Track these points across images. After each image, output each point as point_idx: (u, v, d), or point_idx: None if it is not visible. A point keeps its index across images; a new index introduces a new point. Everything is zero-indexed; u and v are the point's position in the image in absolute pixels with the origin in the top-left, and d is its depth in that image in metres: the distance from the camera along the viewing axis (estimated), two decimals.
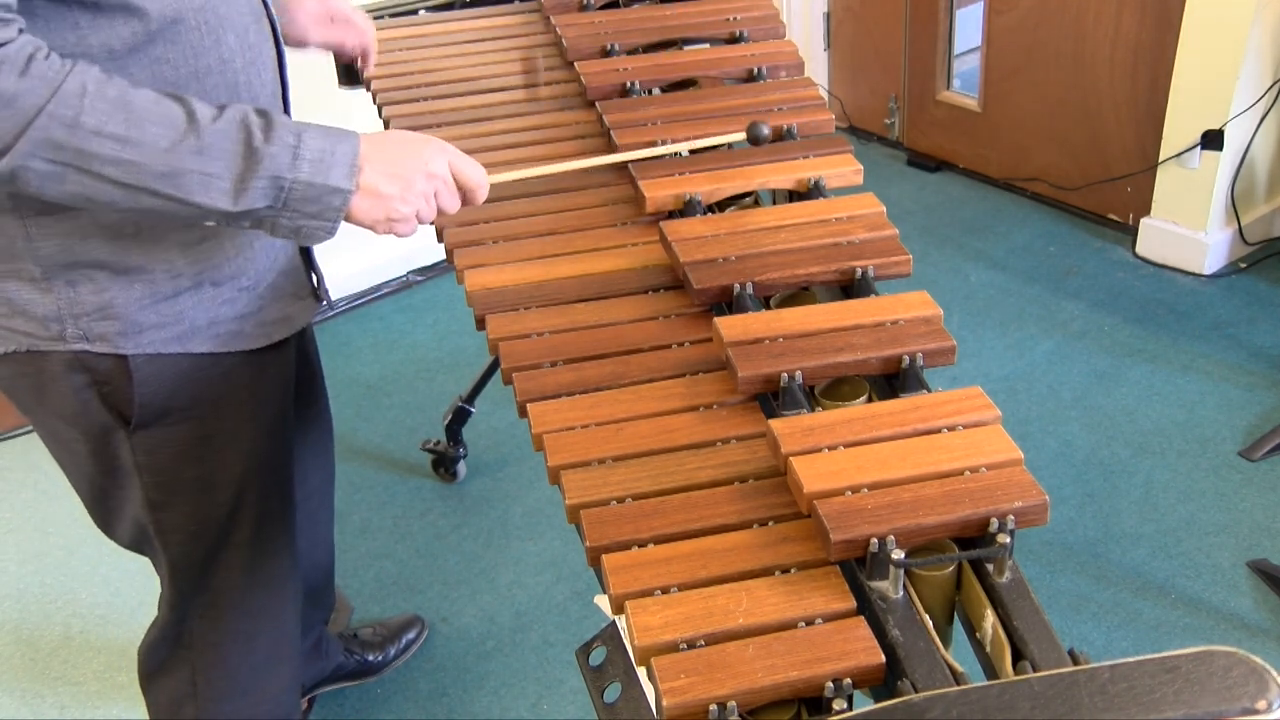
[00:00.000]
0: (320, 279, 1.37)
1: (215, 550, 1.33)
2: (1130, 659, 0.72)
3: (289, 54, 1.47)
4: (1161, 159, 2.82)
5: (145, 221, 1.11)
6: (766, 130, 1.30)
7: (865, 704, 0.75)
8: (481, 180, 1.14)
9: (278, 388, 1.32)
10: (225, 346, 1.22)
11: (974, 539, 0.89)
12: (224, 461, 1.28)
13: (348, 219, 1.07)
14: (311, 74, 2.07)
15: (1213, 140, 2.69)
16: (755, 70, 1.59)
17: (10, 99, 0.90)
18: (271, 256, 1.25)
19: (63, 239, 1.09)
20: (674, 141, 1.40)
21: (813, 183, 1.35)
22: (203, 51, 1.08)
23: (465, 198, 1.14)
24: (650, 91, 1.58)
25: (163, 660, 1.43)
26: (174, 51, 1.06)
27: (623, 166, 1.42)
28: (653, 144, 1.42)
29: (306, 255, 1.35)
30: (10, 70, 0.90)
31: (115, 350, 1.15)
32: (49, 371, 1.17)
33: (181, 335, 1.18)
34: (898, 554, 0.84)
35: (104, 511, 1.33)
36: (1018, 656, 0.81)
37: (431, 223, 1.15)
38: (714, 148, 1.48)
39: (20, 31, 0.93)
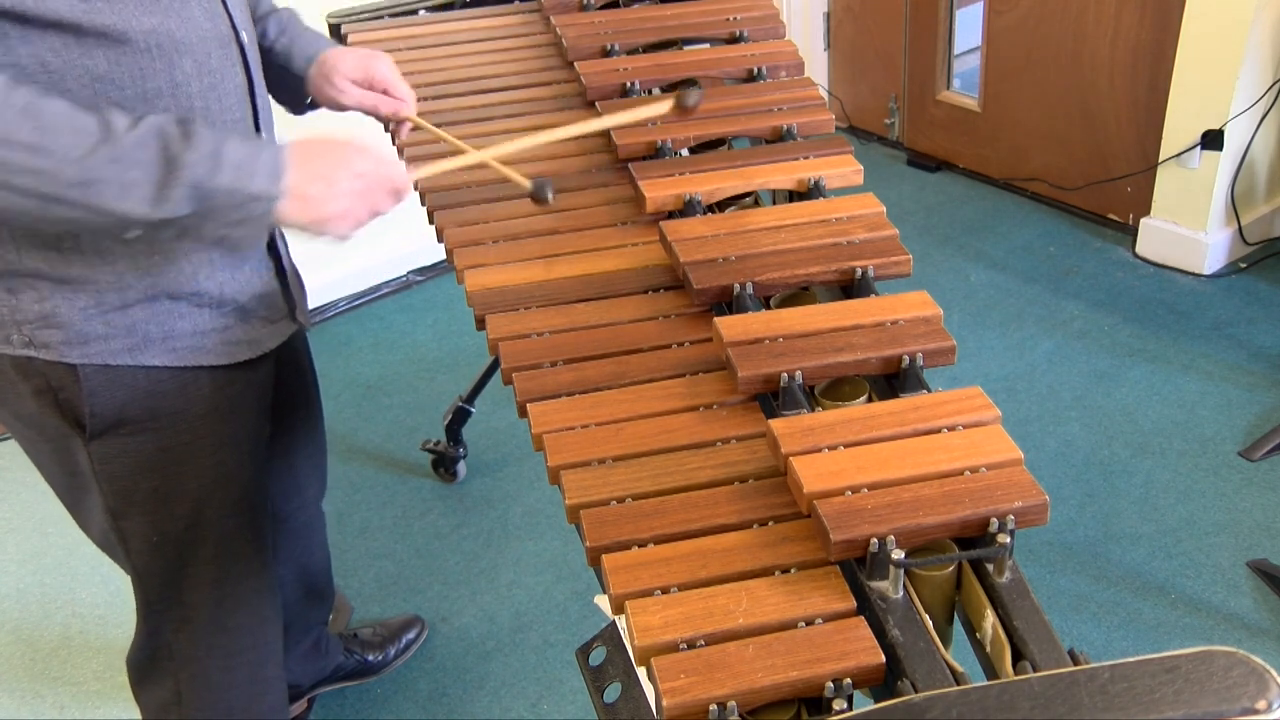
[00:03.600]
0: (295, 304, 1.33)
1: (180, 563, 1.31)
2: (1130, 659, 0.72)
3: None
4: (1161, 159, 2.82)
5: (71, 232, 1.08)
6: (694, 99, 1.25)
7: (865, 704, 0.75)
8: (405, 181, 1.13)
9: (246, 405, 1.29)
10: (183, 361, 1.19)
11: (974, 539, 0.89)
12: (182, 476, 1.25)
13: (281, 224, 1.06)
14: None
15: (1213, 140, 2.69)
16: (755, 70, 1.59)
17: None
18: (241, 277, 1.21)
19: None
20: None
21: (813, 183, 1.35)
22: (152, 74, 1.06)
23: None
24: (650, 91, 1.58)
25: (147, 670, 1.42)
26: (119, 71, 1.04)
27: (623, 166, 1.42)
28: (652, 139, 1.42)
29: (283, 279, 1.30)
30: None
31: (62, 358, 1.13)
32: (3, 374, 1.15)
33: (133, 347, 1.15)
34: (898, 554, 0.84)
35: (76, 511, 1.32)
36: (1018, 656, 0.81)
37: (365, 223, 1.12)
38: (718, 144, 1.48)
39: None
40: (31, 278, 1.10)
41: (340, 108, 1.37)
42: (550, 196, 1.19)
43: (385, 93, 1.37)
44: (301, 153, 1.06)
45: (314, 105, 1.40)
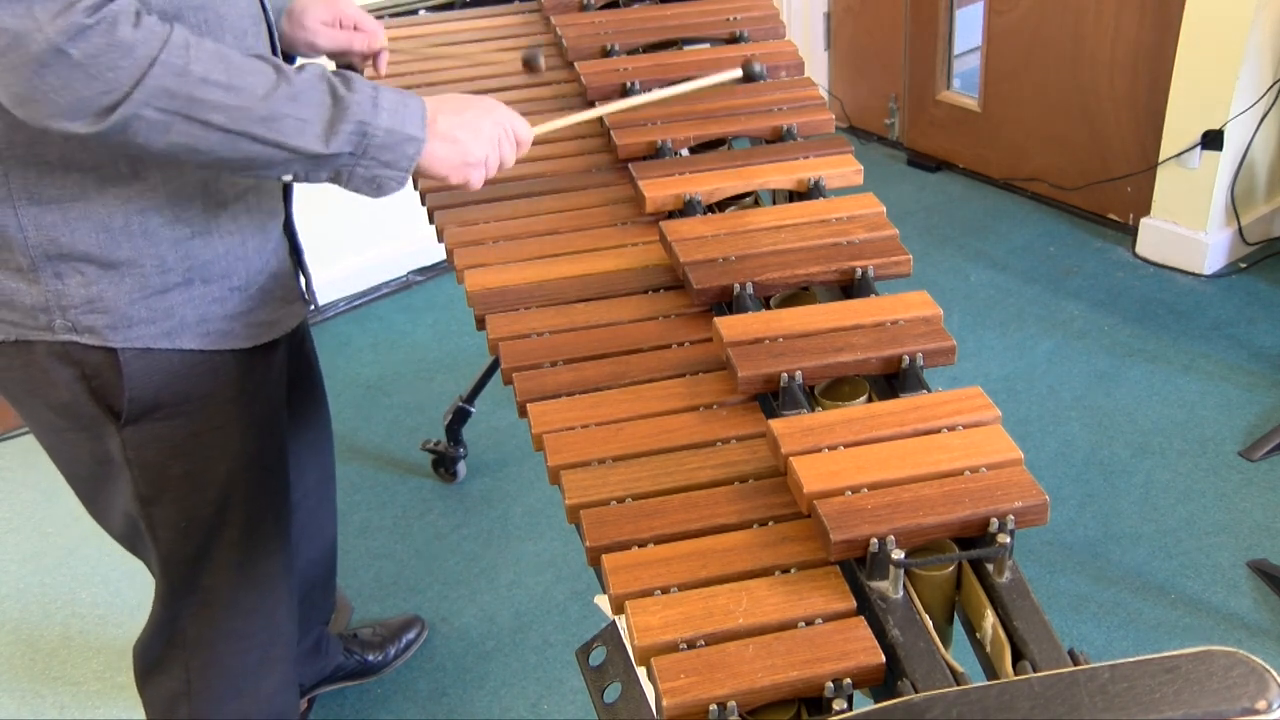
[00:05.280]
0: (309, 282, 1.38)
1: (206, 547, 1.33)
2: (1130, 659, 0.72)
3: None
4: (1161, 159, 2.82)
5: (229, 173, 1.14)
6: (759, 66, 1.39)
7: (865, 704, 0.75)
8: (529, 135, 1.25)
9: (267, 388, 1.33)
10: (214, 345, 1.23)
11: (974, 539, 0.89)
12: (212, 459, 1.28)
13: (425, 169, 1.14)
14: None
15: (1213, 140, 2.69)
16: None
17: (129, 48, 0.94)
18: (263, 259, 1.25)
19: (50, 230, 1.10)
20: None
21: (813, 183, 1.35)
22: None
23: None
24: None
25: (157, 658, 1.43)
26: None
27: (623, 166, 1.42)
28: (653, 137, 1.42)
29: (296, 259, 1.35)
30: (127, 21, 0.94)
31: (104, 343, 1.16)
32: (38, 363, 1.17)
33: (171, 331, 1.19)
34: (898, 554, 0.84)
35: (97, 504, 1.33)
36: (1018, 656, 0.81)
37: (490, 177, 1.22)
38: (718, 144, 1.48)
39: None
40: (80, 261, 1.12)
41: (316, 51, 1.44)
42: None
43: (355, 29, 1.45)
44: (445, 103, 1.17)
45: (288, 58, 1.46)
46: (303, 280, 1.36)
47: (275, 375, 1.34)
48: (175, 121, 0.98)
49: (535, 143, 1.28)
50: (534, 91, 1.63)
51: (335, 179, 1.10)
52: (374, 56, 1.49)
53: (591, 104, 1.55)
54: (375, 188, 1.11)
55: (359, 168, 1.09)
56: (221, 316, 1.22)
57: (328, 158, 1.06)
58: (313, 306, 1.40)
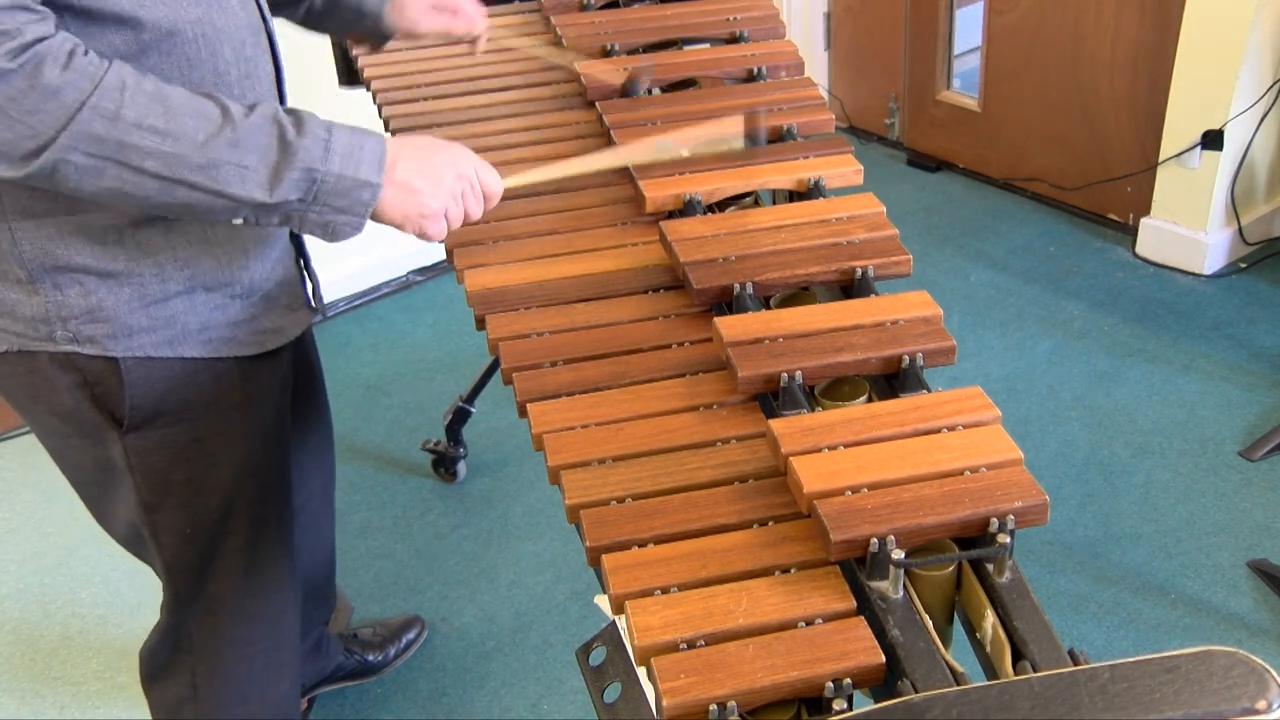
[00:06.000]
0: (316, 288, 1.37)
1: (210, 554, 1.33)
2: (1130, 659, 0.72)
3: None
4: (1161, 159, 2.82)
5: (149, 219, 1.11)
6: (763, 131, 1.35)
7: (865, 704, 0.75)
8: (498, 188, 1.18)
9: (271, 395, 1.32)
10: (217, 352, 1.22)
11: (974, 539, 0.89)
12: (215, 466, 1.27)
13: (379, 216, 1.09)
14: (312, 74, 2.07)
15: (1213, 140, 2.69)
16: (755, 70, 1.59)
17: (54, 92, 0.92)
18: (267, 266, 1.24)
19: (45, 243, 1.09)
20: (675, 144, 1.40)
21: (813, 183, 1.35)
22: (198, 64, 1.08)
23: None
24: (650, 91, 1.58)
25: (163, 663, 1.43)
26: (168, 63, 1.05)
27: (623, 166, 1.42)
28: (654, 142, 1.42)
29: (303, 265, 1.35)
30: (54, 64, 0.92)
31: (105, 352, 1.15)
32: (40, 371, 1.17)
33: (173, 339, 1.18)
34: (898, 554, 0.84)
35: (101, 509, 1.33)
36: (1018, 656, 0.81)
37: (455, 228, 1.16)
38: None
39: (57, 28, 0.95)
40: (78, 273, 1.11)
41: (417, 35, 1.47)
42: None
43: (455, 13, 1.47)
44: (407, 147, 1.10)
45: (386, 39, 1.50)
46: (309, 287, 1.36)
47: (279, 382, 1.33)
48: (107, 167, 0.95)
49: (507, 196, 1.22)
50: (534, 91, 1.63)
51: (286, 223, 1.06)
52: (473, 40, 1.51)
53: (609, 131, 1.55)
54: (329, 233, 1.07)
55: (310, 213, 1.05)
56: (224, 324, 1.21)
57: (273, 205, 1.02)
58: (320, 316, 1.39)
